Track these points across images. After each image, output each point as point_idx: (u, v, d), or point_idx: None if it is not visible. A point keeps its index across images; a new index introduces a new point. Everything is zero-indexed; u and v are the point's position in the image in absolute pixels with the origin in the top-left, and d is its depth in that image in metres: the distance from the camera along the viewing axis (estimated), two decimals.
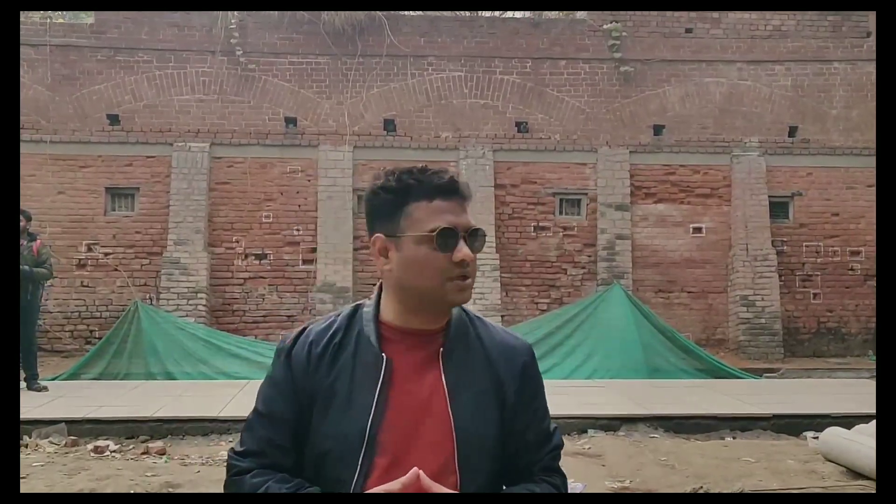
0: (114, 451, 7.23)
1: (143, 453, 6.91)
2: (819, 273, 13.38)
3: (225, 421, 7.79)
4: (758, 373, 11.93)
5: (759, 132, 13.29)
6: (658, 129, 13.21)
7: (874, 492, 6.15)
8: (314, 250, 12.57)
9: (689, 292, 13.20)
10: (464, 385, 1.63)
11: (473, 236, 1.63)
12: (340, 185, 12.67)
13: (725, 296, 13.20)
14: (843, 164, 13.38)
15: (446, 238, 1.58)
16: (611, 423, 8.38)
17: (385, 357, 1.62)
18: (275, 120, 12.74)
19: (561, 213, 13.19)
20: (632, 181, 13.14)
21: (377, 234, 1.64)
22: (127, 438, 7.62)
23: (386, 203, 1.62)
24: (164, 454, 6.90)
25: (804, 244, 13.38)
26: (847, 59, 13.38)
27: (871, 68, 13.37)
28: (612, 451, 7.58)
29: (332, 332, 1.67)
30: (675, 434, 8.30)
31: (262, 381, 1.74)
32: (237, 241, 12.59)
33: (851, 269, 13.44)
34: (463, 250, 1.59)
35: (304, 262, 12.47)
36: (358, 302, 1.76)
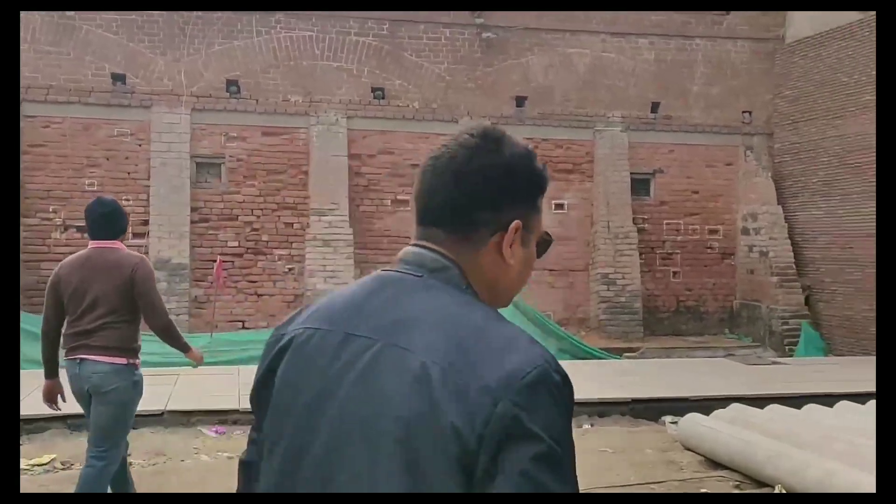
0: None
1: None
2: (679, 251, 13.26)
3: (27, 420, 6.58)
4: (618, 352, 11.70)
5: (622, 107, 12.96)
6: (520, 101, 12.65)
7: (738, 483, 5.77)
8: (146, 223, 11.28)
9: (551, 270, 12.76)
10: None
11: None
12: (176, 150, 11.41)
13: (587, 274, 12.86)
14: (703, 141, 13.27)
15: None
16: None
17: None
18: (100, 76, 11.31)
19: None
20: None
21: (518, 220, 1.24)
22: None
23: (535, 187, 1.29)
24: None
25: (665, 222, 13.21)
26: (708, 35, 13.23)
27: (731, 46, 13.32)
28: None
29: None
30: None
31: None
32: (55, 212, 11.13)
33: (710, 248, 13.40)
34: None
35: (135, 235, 11.04)
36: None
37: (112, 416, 4.10)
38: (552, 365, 1.07)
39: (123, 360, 4.09)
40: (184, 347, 4.44)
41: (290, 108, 11.90)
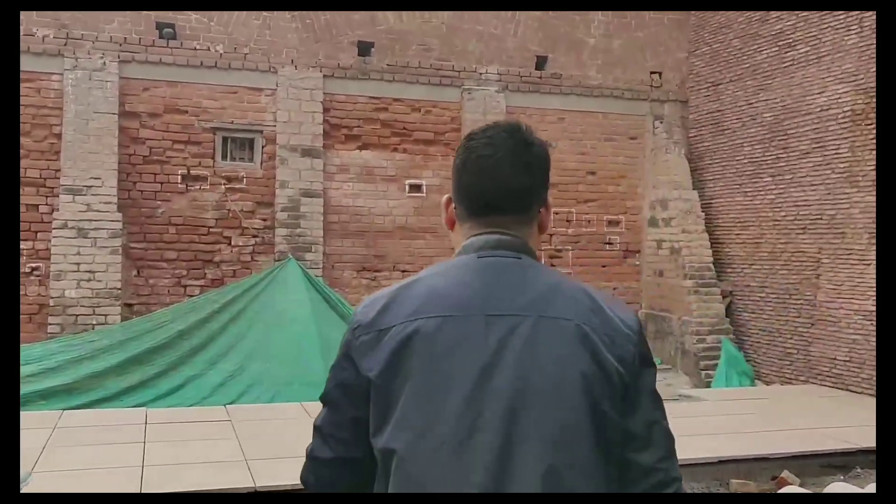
0: None
1: None
2: (570, 247, 10.53)
3: None
4: None
5: (498, 60, 10.13)
6: (364, 48, 9.68)
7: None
8: None
9: (404, 271, 9.82)
10: None
11: None
12: None
13: None
14: (601, 108, 10.55)
15: None
16: None
17: None
18: None
19: (224, 157, 9.34)
20: (326, 117, 9.54)
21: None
22: None
23: None
24: None
25: (553, 210, 10.37)
26: None
27: None
28: None
29: None
30: None
31: None
32: None
33: (609, 243, 10.70)
34: None
35: None
36: None
37: None
38: None
39: None
40: None
41: (36, 45, 8.64)
